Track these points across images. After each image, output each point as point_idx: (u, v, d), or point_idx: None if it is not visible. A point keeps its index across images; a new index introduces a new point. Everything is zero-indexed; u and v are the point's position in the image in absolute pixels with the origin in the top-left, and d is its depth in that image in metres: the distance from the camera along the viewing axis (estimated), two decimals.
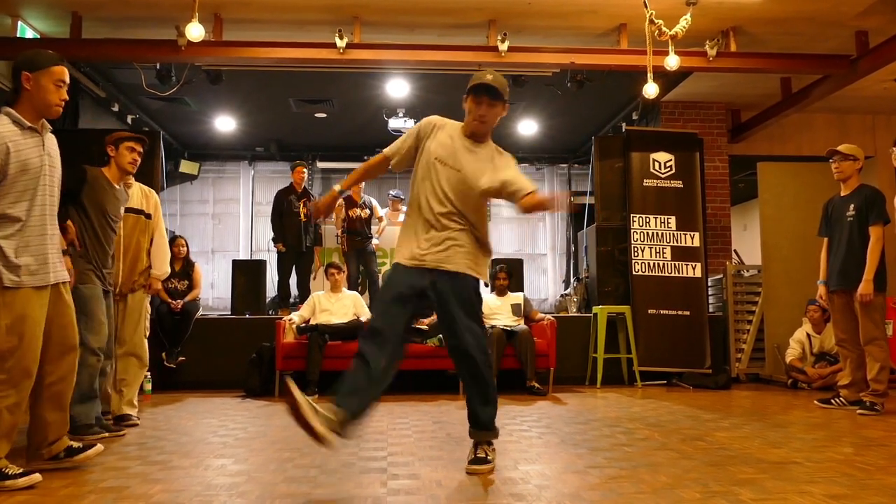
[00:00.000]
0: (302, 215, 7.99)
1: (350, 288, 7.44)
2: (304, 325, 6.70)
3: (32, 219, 3.06)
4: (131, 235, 4.67)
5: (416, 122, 10.04)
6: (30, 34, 7.05)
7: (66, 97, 3.23)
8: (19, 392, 2.99)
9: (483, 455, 3.27)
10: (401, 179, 11.93)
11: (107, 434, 4.06)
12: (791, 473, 3.16)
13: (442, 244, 3.24)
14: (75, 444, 3.34)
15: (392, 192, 9.84)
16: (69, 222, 3.97)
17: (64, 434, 3.31)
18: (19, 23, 6.89)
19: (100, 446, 3.41)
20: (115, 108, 8.80)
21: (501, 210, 12.56)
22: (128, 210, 4.56)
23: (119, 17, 6.78)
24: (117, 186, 4.30)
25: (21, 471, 2.96)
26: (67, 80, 3.23)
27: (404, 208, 9.82)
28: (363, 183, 8.39)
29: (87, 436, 3.86)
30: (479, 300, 3.43)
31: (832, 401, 5.47)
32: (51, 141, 3.22)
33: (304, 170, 8.28)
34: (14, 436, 3.04)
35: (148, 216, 4.80)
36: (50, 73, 3.13)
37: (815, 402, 5.61)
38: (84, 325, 3.90)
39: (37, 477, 2.97)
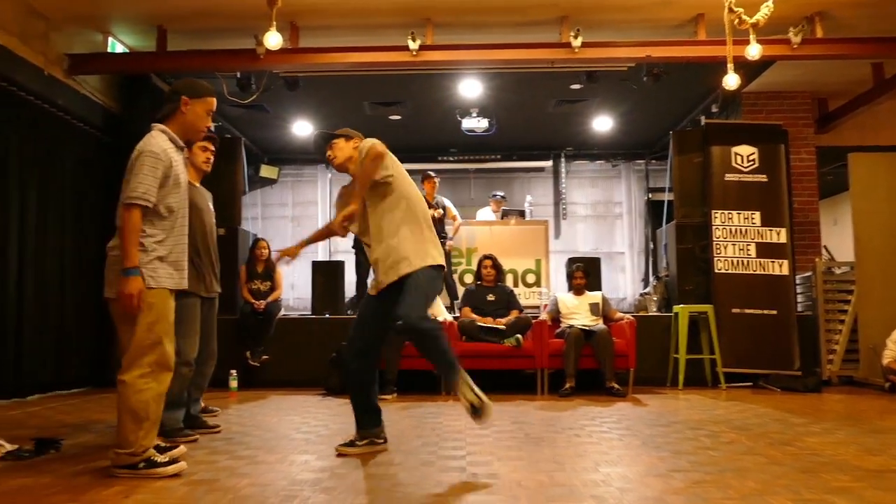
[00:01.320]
0: None
1: None
2: None
3: (176, 229, 3.27)
4: None
5: (489, 122, 10.05)
6: (119, 49, 7.40)
7: (211, 125, 3.52)
8: (160, 385, 3.19)
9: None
10: (475, 180, 11.96)
11: (197, 436, 4.18)
12: (891, 483, 3.00)
13: None
14: (161, 443, 3.49)
15: (496, 193, 10.02)
16: None
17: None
18: (110, 39, 7.23)
19: (183, 448, 3.55)
20: None
21: (577, 208, 12.42)
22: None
23: (201, 29, 7.03)
24: (197, 185, 4.43)
25: (168, 459, 3.17)
26: (214, 110, 3.48)
27: (506, 208, 10.01)
28: (437, 182, 8.44)
29: (177, 438, 3.99)
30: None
31: None
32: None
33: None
34: (158, 426, 3.23)
35: None
36: (206, 102, 3.39)
37: None
38: (181, 335, 4.05)
39: (183, 465, 3.18)
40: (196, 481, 3.03)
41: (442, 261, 3.71)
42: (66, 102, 6.88)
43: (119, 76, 7.73)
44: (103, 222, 7.31)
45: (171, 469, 3.12)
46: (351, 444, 3.72)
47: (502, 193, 10.15)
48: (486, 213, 9.99)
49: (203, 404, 4.89)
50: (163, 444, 3.47)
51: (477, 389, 3.30)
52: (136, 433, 3.10)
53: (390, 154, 3.69)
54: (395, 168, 3.71)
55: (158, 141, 3.21)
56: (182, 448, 3.53)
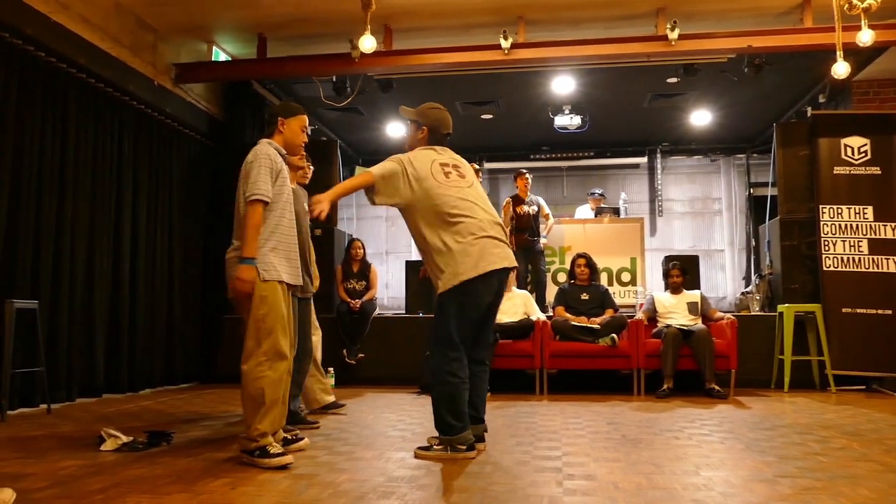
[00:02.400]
0: None
1: (519, 287, 7.46)
2: None
3: (283, 225, 3.56)
4: None
5: (582, 119, 9.93)
6: (222, 57, 7.72)
7: (307, 141, 3.90)
8: (275, 372, 3.39)
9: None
10: (568, 178, 11.85)
11: (298, 431, 4.30)
12: None
13: None
14: (289, 436, 3.73)
15: (594, 191, 9.93)
16: None
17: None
18: (213, 47, 7.56)
19: (307, 440, 3.82)
20: None
21: (674, 205, 12.10)
22: None
23: (298, 35, 7.26)
24: (294, 186, 4.54)
25: (281, 451, 3.36)
26: (308, 127, 3.86)
27: (604, 206, 9.91)
28: (530, 180, 8.40)
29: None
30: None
31: None
32: None
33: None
34: (277, 413, 3.40)
35: None
36: (299, 119, 3.80)
37: None
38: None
39: (289, 458, 3.33)
40: (297, 475, 3.14)
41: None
42: (173, 110, 7.25)
43: (222, 83, 8.07)
44: (208, 224, 7.68)
45: (275, 461, 3.26)
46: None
47: (600, 191, 10.03)
48: (585, 211, 9.87)
49: (333, 398, 5.28)
50: (289, 437, 3.71)
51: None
52: (254, 418, 3.34)
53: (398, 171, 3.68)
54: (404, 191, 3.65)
55: (268, 149, 3.60)
56: (305, 441, 3.80)
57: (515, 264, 3.74)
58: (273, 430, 3.38)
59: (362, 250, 7.61)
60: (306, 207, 4.59)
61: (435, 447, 3.59)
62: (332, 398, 5.31)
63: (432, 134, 3.87)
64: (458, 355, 3.57)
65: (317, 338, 5.28)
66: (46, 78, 5.67)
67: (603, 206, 9.87)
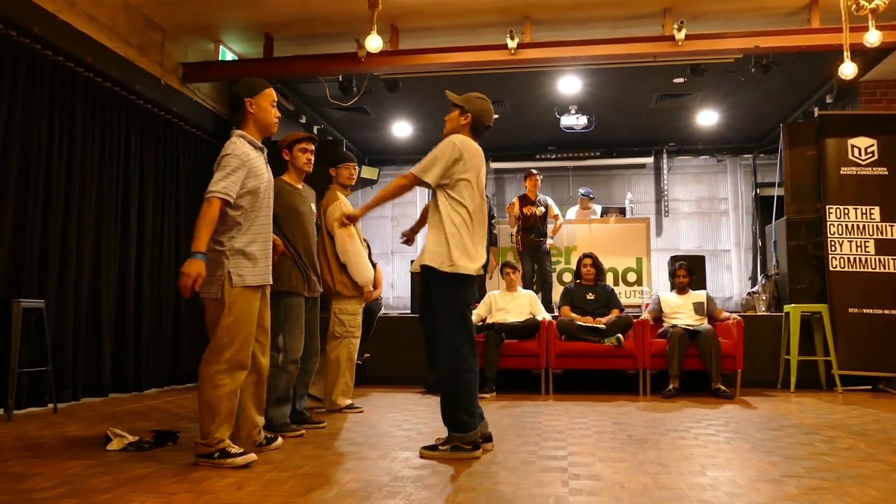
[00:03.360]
0: None
1: (525, 287, 7.45)
2: (480, 323, 6.80)
3: (255, 224, 3.48)
4: None
5: (588, 119, 9.92)
6: (229, 57, 7.74)
7: (280, 115, 3.69)
8: (234, 381, 3.37)
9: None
10: (574, 178, 11.83)
11: (303, 431, 4.30)
12: None
13: None
14: (269, 435, 3.76)
15: (582, 191, 9.83)
16: (274, 236, 4.27)
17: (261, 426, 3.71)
18: (220, 47, 7.58)
19: (280, 440, 3.81)
20: (303, 120, 9.42)
21: (680, 205, 12.08)
22: None
23: (305, 35, 7.27)
24: (300, 187, 4.51)
25: (241, 451, 3.35)
26: (276, 100, 3.69)
27: (594, 206, 9.79)
28: (539, 180, 8.39)
29: (284, 434, 4.11)
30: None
31: None
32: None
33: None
34: (233, 420, 3.41)
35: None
36: (266, 95, 3.59)
37: None
38: (287, 333, 4.21)
39: (252, 457, 3.35)
40: (303, 475, 3.14)
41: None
42: (180, 109, 7.27)
43: (229, 83, 8.09)
44: None
45: (240, 460, 3.28)
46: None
47: (586, 191, 9.85)
48: (575, 212, 9.80)
49: (350, 401, 5.33)
50: (269, 436, 3.73)
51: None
52: (210, 425, 3.31)
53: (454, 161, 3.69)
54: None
55: (238, 144, 3.46)
56: (280, 441, 3.79)
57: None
58: (226, 436, 3.35)
59: (368, 250, 7.59)
60: (313, 208, 4.59)
61: (441, 447, 3.58)
62: (348, 401, 5.36)
63: (475, 122, 3.84)
64: (473, 349, 3.63)
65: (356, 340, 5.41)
66: (53, 77, 5.68)
67: (605, 205, 9.83)
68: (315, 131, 9.89)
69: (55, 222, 5.60)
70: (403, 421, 4.83)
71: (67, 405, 5.60)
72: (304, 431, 4.26)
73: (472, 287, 3.74)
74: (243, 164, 3.40)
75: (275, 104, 3.64)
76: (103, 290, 6.13)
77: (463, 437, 3.54)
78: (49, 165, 5.58)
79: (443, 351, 3.61)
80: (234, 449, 3.33)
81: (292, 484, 2.96)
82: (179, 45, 7.34)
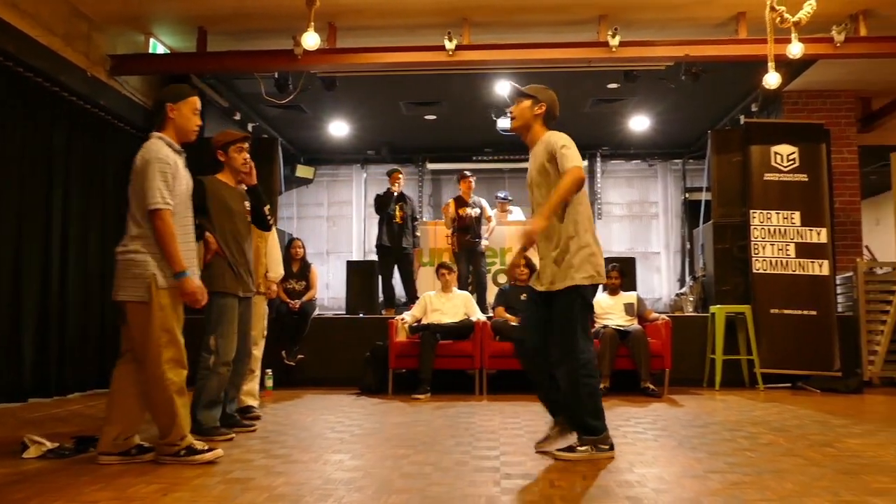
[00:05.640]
0: (398, 218, 8.21)
1: (460, 287, 7.49)
2: (416, 324, 6.81)
3: (178, 230, 3.41)
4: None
5: None
6: (160, 50, 7.53)
7: (201, 123, 3.65)
8: (179, 378, 3.40)
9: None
10: (510, 180, 11.94)
11: (233, 434, 4.20)
12: None
13: None
14: (145, 444, 3.54)
15: (500, 194, 9.86)
16: (208, 234, 4.18)
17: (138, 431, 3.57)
18: (151, 39, 7.36)
19: (220, 450, 3.59)
20: (237, 117, 9.23)
21: (613, 208, 12.32)
22: None
23: (240, 30, 7.13)
24: (233, 186, 4.38)
25: (207, 447, 3.40)
26: (200, 108, 3.65)
27: (512, 209, 9.83)
28: (474, 182, 8.48)
29: (214, 437, 4.02)
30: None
31: None
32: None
33: (401, 176, 8.52)
34: (188, 417, 3.46)
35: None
36: (189, 102, 3.59)
37: None
38: (219, 335, 4.11)
39: (219, 452, 3.42)
40: (232, 479, 3.08)
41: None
42: (108, 103, 7.03)
43: (160, 77, 7.87)
44: None
45: (209, 455, 3.36)
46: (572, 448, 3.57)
47: (504, 194, 9.88)
48: (495, 216, 9.85)
49: (253, 405, 5.02)
50: (146, 445, 3.53)
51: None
52: (171, 425, 3.33)
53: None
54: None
55: (160, 147, 3.44)
56: (219, 451, 3.59)
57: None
58: (188, 431, 3.41)
59: (302, 250, 7.52)
60: (246, 206, 4.49)
61: (578, 448, 3.53)
62: (253, 402, 5.07)
63: (549, 112, 3.71)
64: (592, 353, 3.65)
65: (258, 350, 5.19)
66: None
67: (511, 208, 9.89)
68: (250, 129, 9.72)
69: None
70: (337, 423, 4.79)
71: None
72: (234, 435, 4.18)
73: None
74: (169, 167, 3.39)
75: (197, 112, 3.62)
76: (24, 290, 5.87)
77: (596, 440, 3.52)
78: None
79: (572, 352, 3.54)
80: (200, 444, 3.38)
81: (222, 489, 2.90)
82: (107, 37, 7.10)
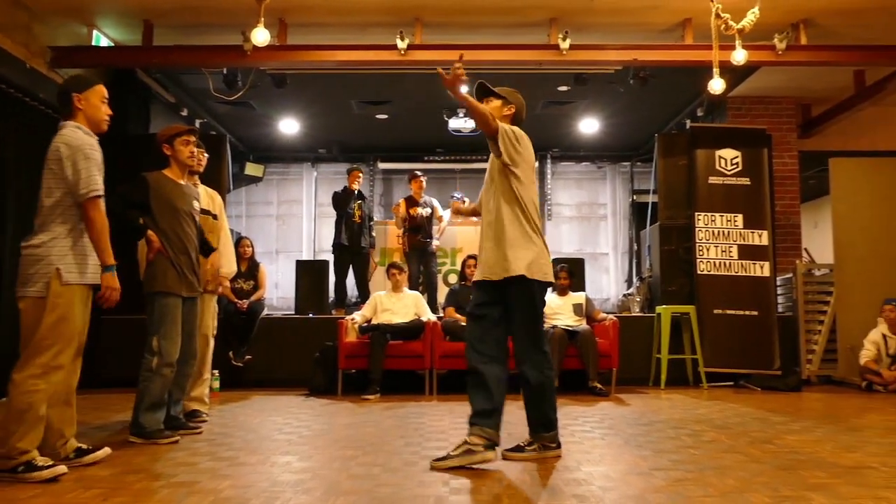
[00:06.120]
0: (357, 217, 8.15)
1: (411, 288, 7.48)
2: (366, 324, 6.78)
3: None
4: None
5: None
6: (104, 42, 7.32)
7: (111, 112, 3.47)
8: (49, 385, 3.15)
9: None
10: (462, 180, 11.97)
11: (178, 437, 4.11)
12: (866, 478, 3.05)
13: None
14: (84, 446, 3.42)
15: (456, 195, 9.86)
16: (150, 232, 4.07)
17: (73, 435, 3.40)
18: (94, 31, 7.16)
19: (107, 448, 3.47)
20: (184, 113, 9.06)
21: (562, 209, 12.46)
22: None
23: (188, 24, 6.98)
24: (183, 182, 4.28)
25: (50, 462, 3.08)
26: (107, 97, 3.47)
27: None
28: (425, 182, 8.48)
29: (158, 440, 3.95)
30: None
31: None
32: None
33: (360, 175, 8.45)
34: (41, 430, 3.14)
35: (215, 217, 4.90)
36: (97, 91, 3.42)
37: None
38: (162, 336, 4.01)
39: (61, 469, 3.09)
40: (177, 483, 3.02)
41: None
42: (48, 96, 6.78)
43: (103, 70, 7.66)
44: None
45: (46, 473, 3.02)
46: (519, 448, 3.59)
47: (460, 195, 9.97)
48: (447, 216, 9.87)
49: (201, 410, 4.84)
50: (85, 447, 3.40)
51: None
52: (15, 434, 3.05)
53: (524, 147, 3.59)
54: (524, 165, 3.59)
55: (81, 134, 3.30)
56: (107, 449, 3.46)
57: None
58: (33, 447, 3.08)
59: (251, 249, 7.42)
60: (196, 205, 4.39)
61: (527, 448, 3.55)
62: (202, 408, 4.89)
63: (517, 115, 3.74)
64: (548, 349, 3.66)
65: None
66: None
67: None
68: (198, 125, 9.54)
69: None
70: (285, 424, 4.73)
71: None
72: (178, 437, 4.09)
73: None
74: (98, 153, 3.28)
75: (105, 101, 3.45)
76: None
77: (546, 437, 3.55)
78: None
79: (534, 355, 3.54)
80: (41, 461, 3.06)
81: (165, 493, 2.84)
82: (48, 28, 6.87)
